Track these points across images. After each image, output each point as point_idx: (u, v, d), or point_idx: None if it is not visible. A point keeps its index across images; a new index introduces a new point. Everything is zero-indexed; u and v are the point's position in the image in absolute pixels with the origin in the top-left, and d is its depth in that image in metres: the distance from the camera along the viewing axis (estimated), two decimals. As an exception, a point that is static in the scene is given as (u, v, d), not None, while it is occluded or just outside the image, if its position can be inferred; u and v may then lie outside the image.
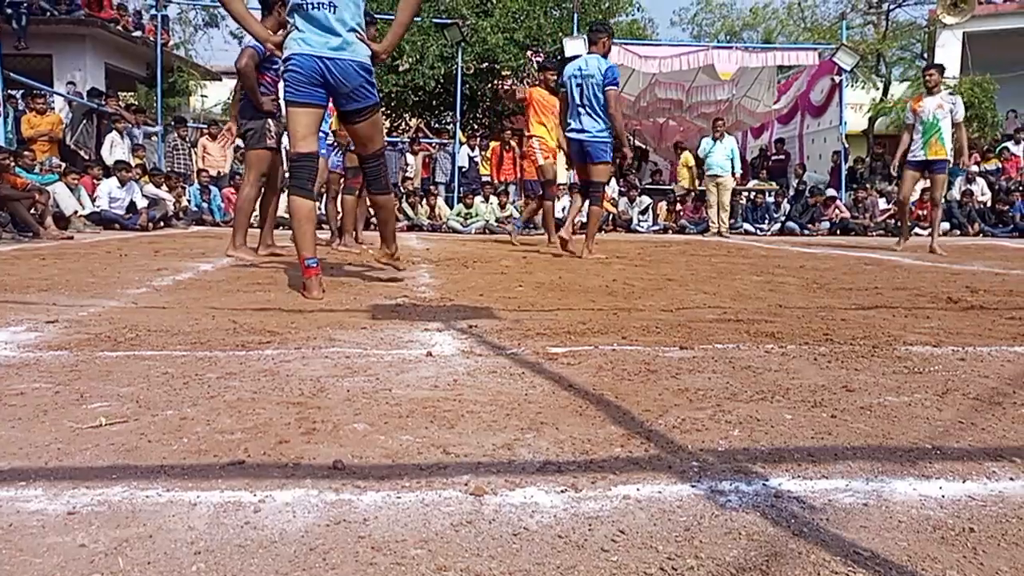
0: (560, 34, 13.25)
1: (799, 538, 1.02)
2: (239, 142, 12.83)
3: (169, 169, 11.66)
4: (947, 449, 1.39)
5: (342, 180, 6.47)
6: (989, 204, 12.30)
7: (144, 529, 1.01)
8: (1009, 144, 13.60)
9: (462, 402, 1.64)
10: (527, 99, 7.20)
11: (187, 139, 12.45)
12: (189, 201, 11.09)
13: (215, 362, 1.96)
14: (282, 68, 3.38)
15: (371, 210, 6.93)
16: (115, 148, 10.77)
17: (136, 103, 14.77)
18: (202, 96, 18.61)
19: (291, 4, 3.31)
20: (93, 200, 9.25)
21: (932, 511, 1.12)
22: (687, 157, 13.09)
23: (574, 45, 11.83)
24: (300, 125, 3.34)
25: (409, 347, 2.22)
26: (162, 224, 9.76)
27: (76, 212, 8.63)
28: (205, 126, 13.16)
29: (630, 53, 12.61)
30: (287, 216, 10.12)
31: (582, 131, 5.70)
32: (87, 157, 10.99)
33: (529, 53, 14.18)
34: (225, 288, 3.50)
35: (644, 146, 16.56)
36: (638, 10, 17.48)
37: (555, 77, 7.47)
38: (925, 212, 7.32)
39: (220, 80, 19.35)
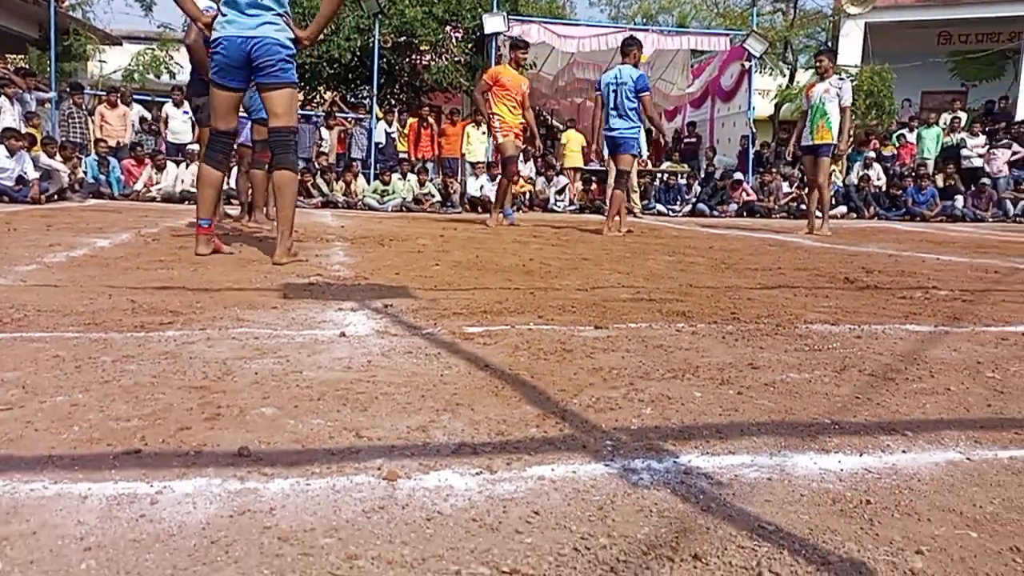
0: (480, 10, 13.09)
1: (707, 513, 1.04)
2: (144, 112, 12.24)
3: (64, 138, 10.95)
4: (845, 424, 1.45)
5: (252, 154, 6.22)
6: (884, 188, 12.95)
7: (27, 525, 0.94)
8: (904, 131, 14.32)
9: (376, 384, 1.60)
10: (493, 78, 7.16)
11: (84, 107, 11.70)
12: (85, 173, 10.45)
13: (111, 344, 1.86)
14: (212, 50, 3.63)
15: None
16: (4, 115, 10.03)
17: (27, 67, 13.77)
18: (100, 61, 17.44)
19: None
20: (-22, 170, 8.61)
21: (831, 484, 1.16)
22: (569, 135, 13.32)
23: (493, 22, 11.75)
24: (222, 106, 3.74)
25: (322, 327, 2.16)
26: (56, 197, 9.18)
27: (-42, 183, 8.04)
28: (103, 93, 12.41)
29: (549, 32, 12.62)
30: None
31: (614, 130, 6.66)
32: (-30, 124, 10.20)
33: (448, 28, 13.98)
34: (124, 265, 3.33)
35: (561, 126, 16.66)
36: (557, -11, 17.47)
37: (525, 56, 7.59)
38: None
39: (120, 45, 18.24)
